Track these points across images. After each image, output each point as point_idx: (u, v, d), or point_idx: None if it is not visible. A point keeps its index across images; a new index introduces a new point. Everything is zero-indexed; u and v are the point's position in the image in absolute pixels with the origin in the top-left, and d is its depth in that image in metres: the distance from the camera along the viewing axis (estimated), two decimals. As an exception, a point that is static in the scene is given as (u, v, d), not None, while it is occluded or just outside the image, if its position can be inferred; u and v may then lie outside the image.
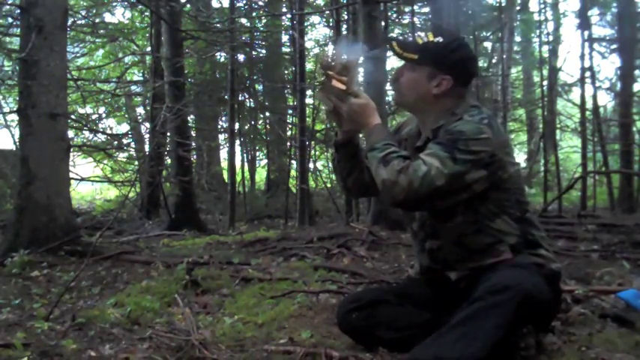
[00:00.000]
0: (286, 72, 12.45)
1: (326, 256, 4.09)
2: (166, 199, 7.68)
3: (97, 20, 9.49)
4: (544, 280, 1.66)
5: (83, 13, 9.26)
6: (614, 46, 10.29)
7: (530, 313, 1.57)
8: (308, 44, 12.32)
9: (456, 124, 1.69)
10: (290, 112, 12.21)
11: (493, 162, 1.67)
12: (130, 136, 10.86)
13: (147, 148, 10.91)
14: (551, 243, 4.19)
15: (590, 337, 1.96)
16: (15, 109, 4.55)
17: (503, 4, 11.95)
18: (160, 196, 8.37)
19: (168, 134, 7.88)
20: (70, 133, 7.19)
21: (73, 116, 7.47)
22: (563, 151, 13.68)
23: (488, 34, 13.12)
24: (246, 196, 11.06)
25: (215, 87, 11.58)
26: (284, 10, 11.67)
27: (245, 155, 12.50)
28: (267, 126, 12.68)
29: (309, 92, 9.00)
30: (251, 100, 12.61)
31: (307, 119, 9.52)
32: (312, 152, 10.95)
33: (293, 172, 10.11)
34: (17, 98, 4.36)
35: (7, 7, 6.46)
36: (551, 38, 12.37)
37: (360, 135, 1.95)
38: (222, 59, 11.31)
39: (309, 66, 11.26)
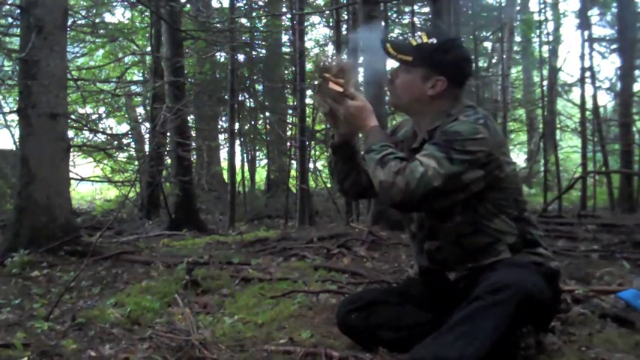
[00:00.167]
0: (286, 72, 12.45)
1: (326, 256, 4.09)
2: (166, 199, 7.68)
3: (97, 20, 9.49)
4: (543, 278, 1.66)
5: (83, 13, 9.26)
6: (614, 46, 10.30)
7: (530, 312, 1.57)
8: (308, 44, 12.34)
9: (452, 125, 1.70)
10: (290, 112, 12.23)
11: (490, 162, 1.67)
12: (130, 136, 10.86)
13: (147, 148, 10.92)
14: (551, 243, 4.22)
15: (590, 337, 1.96)
16: (15, 109, 4.55)
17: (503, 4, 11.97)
18: (159, 196, 8.37)
19: (168, 134, 7.88)
20: (70, 133, 7.19)
21: (73, 116, 7.47)
22: (563, 151, 13.69)
23: (488, 34, 13.12)
24: (246, 196, 11.06)
25: (215, 87, 11.58)
26: (284, 10, 11.67)
27: (245, 155, 12.51)
28: (267, 126, 12.69)
29: (309, 92, 8.99)
30: (251, 100, 12.62)
31: (307, 119, 9.54)
32: (312, 152, 10.96)
33: (293, 172, 10.11)
34: (17, 98, 4.36)
35: (7, 7, 6.46)
36: (551, 38, 12.37)
37: (360, 135, 1.95)
38: (222, 59, 11.31)
39: (309, 66, 11.26)
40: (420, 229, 1.88)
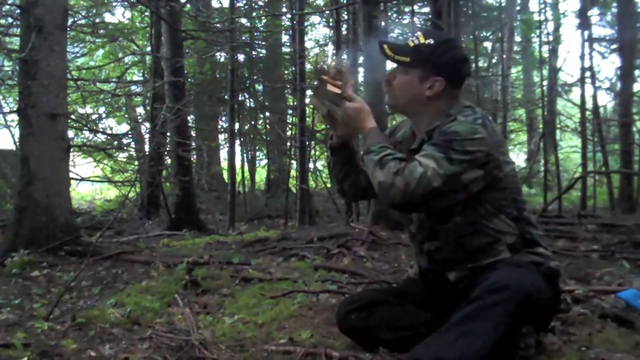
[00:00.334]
0: (286, 72, 12.45)
1: (326, 256, 4.09)
2: (166, 199, 7.68)
3: (97, 20, 9.49)
4: (543, 278, 1.67)
5: (83, 13, 9.26)
6: (614, 46, 10.29)
7: (530, 311, 1.57)
8: (308, 44, 12.34)
9: (451, 125, 1.70)
10: (290, 112, 12.23)
11: (489, 161, 1.67)
12: (130, 136, 10.86)
13: (147, 148, 10.92)
14: (551, 243, 4.22)
15: (590, 337, 1.96)
16: (15, 109, 4.55)
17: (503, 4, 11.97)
18: (159, 196, 8.37)
19: (168, 134, 7.88)
20: (70, 133, 7.19)
21: (73, 116, 7.48)
22: (563, 151, 13.69)
23: (488, 34, 13.12)
24: (246, 196, 11.06)
25: (215, 87, 11.59)
26: (284, 10, 11.67)
27: (245, 155, 12.51)
28: (267, 126, 12.69)
29: (309, 92, 9.00)
30: (251, 100, 12.62)
31: (307, 119, 9.54)
32: (312, 152, 10.96)
33: (293, 172, 10.11)
34: (17, 98, 4.36)
35: (7, 7, 6.46)
36: (551, 38, 12.36)
37: (359, 137, 1.95)
38: (222, 59, 11.31)
39: (308, 66, 11.26)
40: (420, 230, 1.89)
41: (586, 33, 8.95)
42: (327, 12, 10.43)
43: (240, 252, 4.47)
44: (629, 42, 8.60)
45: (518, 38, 15.49)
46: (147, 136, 11.08)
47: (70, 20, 7.54)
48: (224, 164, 12.74)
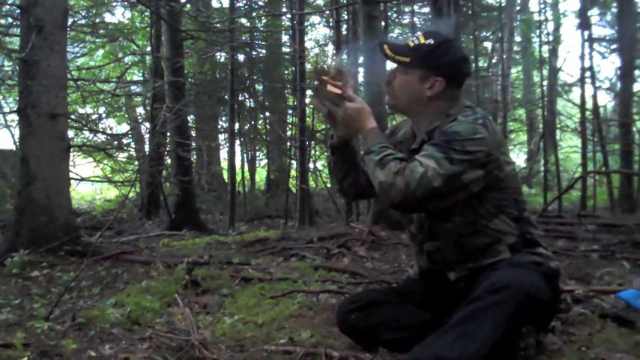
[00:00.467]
0: (286, 72, 12.46)
1: (326, 256, 4.09)
2: (166, 199, 7.68)
3: (97, 20, 9.50)
4: (543, 278, 1.67)
5: (83, 13, 9.27)
6: (614, 46, 10.30)
7: (530, 311, 1.57)
8: (308, 44, 12.34)
9: (451, 125, 1.70)
10: (290, 112, 12.23)
11: (489, 161, 1.67)
12: (130, 136, 10.87)
13: (147, 148, 10.92)
14: (551, 243, 4.22)
15: (590, 337, 1.96)
16: (15, 109, 4.55)
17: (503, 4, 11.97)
18: (160, 196, 8.37)
19: (168, 134, 7.88)
20: (70, 133, 7.20)
21: (73, 116, 7.48)
22: (563, 151, 13.69)
23: (488, 34, 13.12)
24: (246, 196, 11.06)
25: (215, 87, 11.59)
26: (284, 10, 11.68)
27: (245, 155, 12.52)
28: (267, 126, 12.69)
29: (309, 92, 8.99)
30: (251, 100, 12.62)
31: (307, 119, 9.53)
32: (312, 152, 10.96)
33: (293, 172, 10.11)
34: (17, 98, 4.36)
35: (7, 7, 6.46)
36: (551, 38, 12.37)
37: (359, 137, 1.95)
38: (222, 59, 11.32)
39: (309, 66, 11.26)
40: (420, 230, 1.89)
41: (586, 33, 8.96)
42: (327, 12, 10.43)
43: (240, 252, 4.47)
44: (629, 42, 8.60)
45: (518, 38, 15.50)
46: (147, 136, 11.09)
47: (70, 20, 7.54)
48: (224, 164, 12.74)
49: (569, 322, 2.14)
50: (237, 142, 10.47)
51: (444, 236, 1.81)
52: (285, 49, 12.35)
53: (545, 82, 10.70)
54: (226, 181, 10.58)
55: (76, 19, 8.44)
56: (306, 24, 11.31)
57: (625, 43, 8.68)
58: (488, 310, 1.52)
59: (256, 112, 12.82)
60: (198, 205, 8.68)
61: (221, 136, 13.63)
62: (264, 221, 9.23)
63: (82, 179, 6.65)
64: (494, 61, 14.60)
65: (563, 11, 14.98)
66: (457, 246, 1.79)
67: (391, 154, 1.70)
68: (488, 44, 14.33)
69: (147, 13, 9.21)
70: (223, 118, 12.92)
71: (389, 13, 9.91)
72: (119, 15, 20.20)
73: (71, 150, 4.78)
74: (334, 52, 10.12)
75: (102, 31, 9.64)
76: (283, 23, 12.08)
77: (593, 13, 10.78)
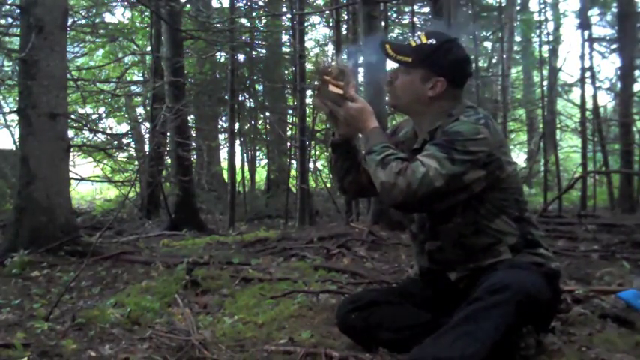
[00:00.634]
0: (286, 72, 12.45)
1: (326, 256, 4.09)
2: (166, 199, 7.68)
3: (97, 20, 9.50)
4: (543, 279, 1.67)
5: (83, 13, 9.26)
6: (614, 46, 10.30)
7: (530, 312, 1.57)
8: (308, 44, 12.34)
9: (453, 125, 1.70)
10: (290, 112, 12.23)
11: (491, 162, 1.67)
12: (130, 136, 10.87)
13: (147, 148, 10.92)
14: (551, 243, 4.22)
15: (590, 337, 1.96)
16: (15, 109, 4.55)
17: (503, 4, 11.97)
18: (160, 196, 8.37)
19: (168, 134, 7.88)
20: (70, 133, 7.19)
21: (73, 116, 7.48)
22: (563, 151, 13.69)
23: (488, 34, 13.12)
24: (246, 196, 11.07)
25: (215, 87, 11.59)
26: (284, 10, 11.68)
27: (245, 155, 12.52)
28: (267, 126, 12.69)
29: (309, 92, 8.99)
30: (251, 100, 12.62)
31: (307, 119, 9.53)
32: (312, 152, 10.96)
33: (293, 172, 10.11)
34: (17, 98, 4.36)
35: (7, 7, 6.46)
36: (551, 38, 12.37)
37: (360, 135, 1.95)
38: (222, 59, 11.32)
39: (309, 66, 11.25)
40: (421, 230, 1.88)
41: (586, 33, 8.96)
42: (327, 12, 10.43)
43: (240, 252, 4.47)
44: (629, 42, 8.60)
45: (518, 38, 15.50)
46: (147, 136, 11.09)
47: (70, 20, 7.54)
48: (224, 164, 12.74)
49: (569, 322, 2.14)
50: (237, 142, 10.47)
51: (445, 236, 1.81)
52: (285, 49, 12.35)
53: (545, 82, 10.71)
54: (226, 181, 10.58)
55: (76, 19, 8.45)
56: (306, 24, 11.31)
57: (625, 43, 8.68)
58: (488, 310, 1.52)
59: (256, 112, 12.82)
60: (198, 205, 8.67)
61: (221, 136, 13.63)
62: (264, 221, 9.23)
63: (82, 179, 6.65)
64: (494, 61, 14.60)
65: (563, 11, 15.00)
66: (458, 246, 1.79)
67: (393, 154, 1.70)
68: (488, 44, 14.33)
69: (147, 13, 9.21)
70: (223, 118, 12.92)
71: (389, 13, 9.91)
72: (119, 15, 20.20)
73: (71, 150, 4.78)
74: (334, 52, 10.11)
75: (102, 31, 9.64)
76: (283, 23, 12.08)
77: (593, 13, 10.79)
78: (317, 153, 11.93)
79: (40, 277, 3.43)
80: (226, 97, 9.29)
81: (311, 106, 10.03)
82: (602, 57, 11.06)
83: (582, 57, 8.77)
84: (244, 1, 11.65)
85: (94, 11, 9.66)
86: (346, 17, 8.97)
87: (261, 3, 12.33)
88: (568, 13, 17.85)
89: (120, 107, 11.83)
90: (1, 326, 2.31)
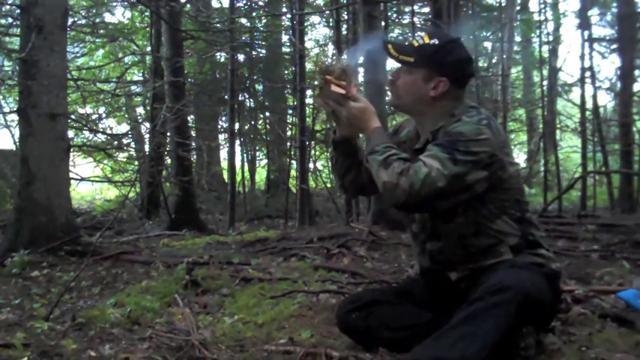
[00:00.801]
0: (286, 72, 12.45)
1: (326, 256, 4.09)
2: (166, 199, 7.68)
3: (97, 20, 9.50)
4: (544, 279, 1.67)
5: (83, 13, 9.26)
6: (614, 46, 10.29)
7: (531, 313, 1.57)
8: (308, 44, 12.33)
9: (455, 126, 1.69)
10: (290, 112, 12.23)
11: (493, 162, 1.67)
12: (130, 136, 10.87)
13: (147, 148, 10.92)
14: (551, 243, 4.22)
15: (590, 337, 1.96)
16: (15, 109, 4.55)
17: (503, 4, 11.96)
18: (160, 196, 8.37)
19: (168, 134, 7.88)
20: (70, 133, 7.19)
21: (73, 116, 7.47)
22: (563, 151, 13.69)
23: (488, 34, 13.12)
24: (246, 196, 11.06)
25: (215, 87, 11.59)
26: (284, 10, 11.67)
27: (245, 155, 12.51)
28: (267, 126, 12.69)
29: (309, 92, 8.99)
30: (251, 100, 12.62)
31: (307, 119, 9.53)
32: (312, 152, 10.95)
33: (293, 172, 10.11)
34: (17, 98, 4.36)
35: (7, 7, 6.46)
36: (551, 38, 12.37)
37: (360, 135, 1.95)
38: (222, 59, 11.32)
39: (309, 66, 11.25)
40: (423, 230, 1.88)
41: (586, 33, 8.96)
42: (327, 12, 10.43)
43: (240, 252, 4.47)
44: (629, 42, 8.60)
45: (518, 38, 15.49)
46: (147, 136, 11.09)
47: (70, 20, 7.54)
48: (224, 164, 12.74)
49: (569, 322, 2.14)
50: (237, 142, 10.46)
51: (446, 236, 1.81)
52: (286, 49, 12.35)
53: (545, 82, 10.70)
54: (226, 181, 10.59)
55: (76, 19, 8.44)
56: (306, 24, 11.31)
57: (625, 43, 8.68)
58: (489, 310, 1.52)
59: (256, 112, 12.82)
60: (198, 205, 8.67)
61: (221, 136, 13.63)
62: (264, 221, 9.23)
63: (82, 179, 6.65)
64: (494, 61, 14.59)
65: (563, 11, 14.98)
66: (459, 246, 1.79)
67: (395, 154, 1.70)
68: (488, 44, 14.32)
69: (147, 13, 9.21)
70: (223, 118, 12.92)
71: (389, 13, 9.90)
72: (119, 15, 20.20)
73: (71, 150, 4.78)
74: (334, 52, 10.11)
75: (102, 31, 9.64)
76: (283, 23, 12.08)
77: (593, 13, 10.79)
78: (317, 153, 11.93)
79: (40, 277, 3.43)
80: (226, 97, 9.28)
81: (311, 106, 10.04)
82: (602, 57, 11.06)
83: (582, 57, 8.77)
84: (244, 1, 11.66)
85: (94, 11, 9.66)
86: (346, 17, 8.96)
87: (261, 3, 12.33)
88: (568, 13, 17.85)
89: (120, 107, 11.83)
90: (1, 326, 2.31)
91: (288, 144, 11.14)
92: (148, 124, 9.98)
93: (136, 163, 10.36)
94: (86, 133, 9.42)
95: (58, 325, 2.32)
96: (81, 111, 9.87)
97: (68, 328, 2.25)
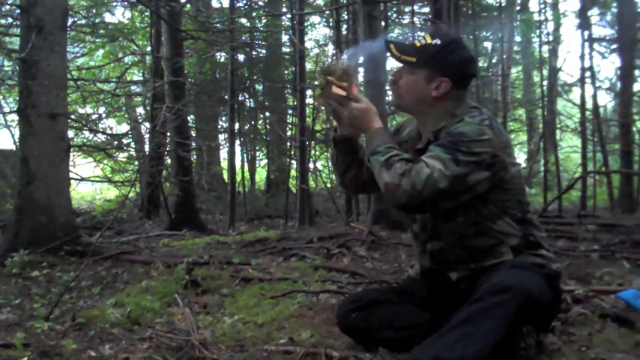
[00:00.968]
0: (286, 72, 12.45)
1: (326, 256, 4.09)
2: (166, 199, 7.68)
3: (97, 20, 9.50)
4: (545, 280, 1.66)
5: (83, 13, 9.26)
6: (614, 46, 10.29)
7: (531, 313, 1.57)
8: (308, 44, 12.33)
9: (457, 126, 1.69)
10: (290, 112, 12.23)
11: (495, 163, 1.67)
12: (130, 136, 10.86)
13: (147, 148, 10.92)
14: (552, 243, 4.22)
15: (590, 337, 1.96)
16: (15, 109, 4.55)
17: (503, 4, 11.96)
18: (160, 196, 8.37)
19: (168, 134, 7.88)
20: (70, 133, 7.19)
21: (73, 116, 7.47)
22: (563, 151, 13.69)
23: (488, 34, 13.12)
24: (246, 196, 11.06)
25: (215, 87, 11.58)
26: (284, 10, 11.67)
27: (245, 155, 12.51)
28: (267, 126, 12.69)
29: (309, 92, 8.99)
30: (251, 100, 12.62)
31: (307, 119, 9.53)
32: (312, 152, 10.95)
33: (293, 172, 10.11)
34: (17, 98, 4.36)
35: (7, 7, 6.46)
36: (551, 38, 12.36)
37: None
38: (222, 59, 11.31)
39: (309, 66, 11.25)
40: (423, 230, 1.88)
41: (586, 33, 8.96)
42: (327, 12, 10.43)
43: (240, 252, 4.47)
44: (629, 42, 8.60)
45: (518, 38, 15.49)
46: (147, 136, 11.08)
47: (70, 20, 7.54)
48: (224, 164, 12.74)
49: (569, 322, 2.14)
50: (237, 142, 10.46)
51: (446, 236, 1.81)
52: (286, 49, 12.34)
53: (545, 82, 10.70)
54: (226, 181, 10.59)
55: (76, 19, 8.45)
56: (306, 24, 11.31)
57: (625, 43, 8.68)
58: (489, 311, 1.52)
59: (256, 112, 12.82)
60: (198, 205, 8.67)
61: (221, 136, 13.63)
62: (264, 221, 9.23)
63: (82, 179, 6.66)
64: (494, 61, 14.59)
65: (563, 11, 14.96)
66: (460, 246, 1.79)
67: (397, 154, 1.70)
68: (488, 44, 14.32)
69: (147, 13, 9.20)
70: (223, 118, 12.91)
71: (389, 13, 9.90)
72: (119, 15, 20.21)
73: (71, 150, 4.78)
74: (334, 51, 10.11)
75: (102, 31, 9.64)
76: (283, 23, 12.08)
77: (593, 13, 10.77)
78: (317, 153, 11.93)
79: (40, 277, 3.43)
80: (226, 97, 9.28)
81: (311, 106, 10.05)
82: (602, 57, 11.05)
83: (582, 57, 8.77)
84: (244, 1, 11.65)
85: (94, 11, 9.66)
86: (346, 17, 8.96)
87: (261, 3, 12.33)
88: (568, 13, 17.83)
89: (120, 107, 11.83)
90: (1, 326, 2.31)
91: (288, 144, 11.14)
92: (148, 124, 9.99)
93: (136, 163, 10.35)
94: (86, 133, 9.43)
95: (58, 325, 2.32)
96: (81, 111, 9.88)
97: (68, 328, 2.25)
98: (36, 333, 2.19)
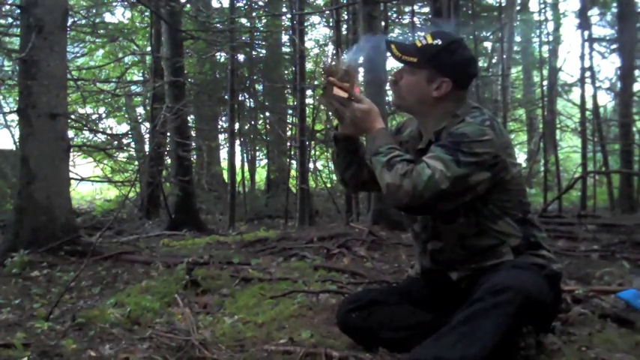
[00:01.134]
0: (286, 72, 12.45)
1: (326, 256, 4.09)
2: (166, 199, 7.68)
3: (97, 20, 9.49)
4: (545, 280, 1.66)
5: (83, 13, 9.26)
6: (614, 46, 10.30)
7: (531, 313, 1.57)
8: (308, 44, 12.34)
9: (459, 127, 1.69)
10: (290, 112, 12.23)
11: (496, 163, 1.66)
12: (130, 136, 10.85)
13: (147, 148, 10.92)
14: (552, 243, 4.22)
15: (590, 337, 1.96)
16: (15, 109, 4.55)
17: (503, 4, 11.96)
18: (160, 196, 8.37)
19: (168, 134, 7.88)
20: (70, 133, 7.20)
21: (73, 116, 7.47)
22: (563, 151, 13.69)
23: (488, 34, 13.12)
24: (246, 196, 11.06)
25: (215, 87, 11.58)
26: (284, 10, 11.67)
27: (245, 155, 12.51)
28: (267, 126, 12.69)
29: (309, 92, 8.99)
30: (251, 100, 12.62)
31: (307, 119, 9.53)
32: (312, 152, 10.95)
33: (293, 172, 10.11)
34: (17, 98, 4.36)
35: (7, 7, 6.46)
36: (551, 38, 12.37)
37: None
38: (222, 59, 11.32)
39: (309, 66, 11.25)
40: (424, 230, 1.88)
41: (586, 33, 8.96)
42: (327, 12, 10.43)
43: (240, 252, 4.47)
44: (629, 42, 8.60)
45: (518, 38, 15.49)
46: (147, 136, 11.08)
47: (70, 20, 7.54)
48: (224, 164, 12.73)
49: (569, 322, 2.14)
50: (237, 142, 10.47)
51: (447, 236, 1.81)
52: (286, 49, 12.34)
53: (545, 82, 10.70)
54: (226, 181, 10.58)
55: (76, 19, 8.45)
56: (306, 24, 11.31)
57: (625, 43, 8.68)
58: (489, 311, 1.52)
59: (256, 112, 12.82)
60: (198, 205, 8.67)
61: (221, 136, 13.63)
62: (264, 221, 9.23)
63: (82, 179, 6.65)
64: (494, 61, 14.59)
65: (563, 11, 14.99)
66: (460, 247, 1.79)
67: (399, 155, 1.70)
68: (488, 44, 14.32)
69: (147, 13, 9.21)
70: (223, 118, 12.91)
71: (389, 13, 9.91)
72: (119, 15, 20.23)
73: (71, 150, 4.78)
74: (334, 51, 10.11)
75: (102, 31, 9.64)
76: (283, 23, 12.08)
77: (593, 13, 10.78)
78: (317, 153, 11.93)
79: (40, 277, 3.43)
80: (226, 97, 9.28)
81: (311, 106, 10.05)
82: (602, 57, 11.06)
83: (582, 57, 8.77)
84: (244, 1, 11.65)
85: (94, 11, 9.66)
86: (346, 17, 8.97)
87: (261, 3, 12.33)
88: (568, 13, 17.86)
89: (120, 107, 11.82)
90: (1, 326, 2.31)
91: (288, 144, 11.14)
92: (148, 124, 9.99)
93: (136, 163, 10.36)
94: (86, 133, 9.44)
95: (58, 325, 2.32)
96: (81, 111, 9.87)
97: (68, 328, 2.25)
98: (36, 333, 2.19)
